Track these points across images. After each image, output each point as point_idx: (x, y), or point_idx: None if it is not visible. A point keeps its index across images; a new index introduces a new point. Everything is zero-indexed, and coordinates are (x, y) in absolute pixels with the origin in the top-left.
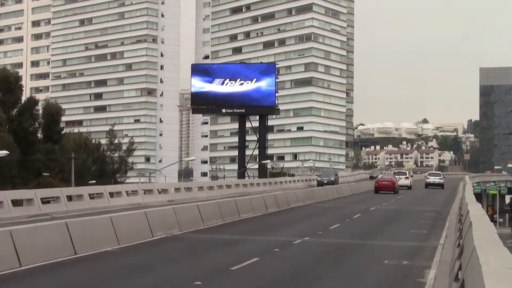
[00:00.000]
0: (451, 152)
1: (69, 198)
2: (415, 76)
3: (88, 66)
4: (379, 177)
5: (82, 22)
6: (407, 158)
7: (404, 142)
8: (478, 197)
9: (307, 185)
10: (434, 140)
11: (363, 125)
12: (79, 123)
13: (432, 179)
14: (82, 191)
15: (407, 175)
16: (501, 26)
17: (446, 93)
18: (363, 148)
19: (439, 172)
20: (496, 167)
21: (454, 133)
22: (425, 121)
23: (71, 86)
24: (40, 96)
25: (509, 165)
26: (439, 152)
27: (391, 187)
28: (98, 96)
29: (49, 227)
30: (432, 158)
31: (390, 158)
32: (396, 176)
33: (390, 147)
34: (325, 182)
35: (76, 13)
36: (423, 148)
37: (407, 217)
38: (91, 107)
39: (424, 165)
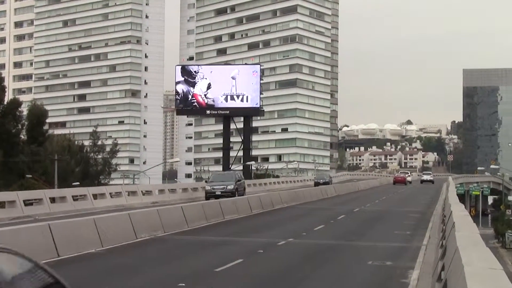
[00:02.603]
0: (435, 153)
1: (52, 200)
2: (399, 78)
3: (72, 67)
4: (395, 175)
5: (65, 23)
6: (391, 159)
7: (388, 143)
8: (461, 198)
9: (292, 186)
10: (418, 141)
11: (347, 126)
12: (63, 124)
13: (425, 177)
14: (65, 193)
15: (409, 174)
16: (484, 27)
17: (430, 94)
18: (348, 149)
19: (430, 172)
20: (479, 168)
21: (438, 135)
22: (409, 122)
23: (54, 87)
24: (23, 98)
25: (492, 166)
26: (423, 153)
27: (404, 181)
28: (82, 97)
29: (32, 229)
30: (416, 159)
31: (374, 159)
32: (405, 174)
33: (374, 148)
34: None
35: (59, 14)
36: (407, 149)
37: (391, 218)
38: (74, 108)
39: (408, 166)
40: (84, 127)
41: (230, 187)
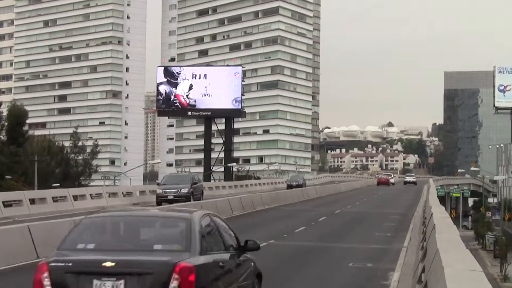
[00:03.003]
0: (416, 155)
1: (32, 201)
2: (381, 80)
3: (52, 67)
4: (378, 177)
5: (46, 23)
6: (372, 161)
7: (370, 145)
8: (442, 200)
9: (273, 188)
10: (399, 143)
11: (329, 128)
12: (43, 125)
13: (408, 179)
14: (45, 194)
15: (392, 176)
16: (465, 30)
17: (411, 97)
18: (329, 151)
19: (413, 174)
20: (459, 170)
21: (419, 137)
22: (390, 124)
23: (34, 88)
24: (3, 98)
25: (472, 169)
26: (404, 155)
27: (387, 182)
28: (62, 98)
29: (11, 230)
30: (397, 161)
31: (356, 161)
32: (388, 176)
33: (355, 150)
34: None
35: (40, 14)
36: (388, 151)
37: (372, 220)
38: (55, 109)
39: (389, 168)
40: (64, 128)
41: (185, 190)
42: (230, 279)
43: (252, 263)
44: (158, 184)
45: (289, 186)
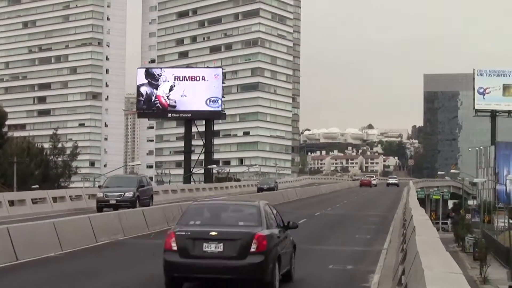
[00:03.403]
0: (396, 158)
1: (11, 203)
2: (361, 82)
3: (32, 69)
4: (361, 178)
5: (25, 25)
6: (353, 163)
7: (350, 148)
8: (422, 202)
9: (254, 190)
10: (379, 145)
11: (309, 130)
12: (22, 127)
13: (391, 180)
14: (25, 196)
15: (375, 178)
16: (445, 33)
17: (391, 99)
18: (309, 153)
19: (395, 176)
20: (439, 172)
21: (399, 139)
22: (370, 126)
23: (14, 89)
24: None
25: (452, 171)
26: (384, 157)
27: (369, 184)
28: (42, 99)
29: None
30: (377, 163)
31: (336, 163)
32: (371, 178)
33: (335, 152)
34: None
35: (19, 15)
36: (368, 153)
37: (352, 222)
38: (34, 110)
39: (369, 170)
40: (44, 130)
41: (129, 194)
42: (281, 245)
43: (291, 237)
44: (99, 187)
45: (260, 190)
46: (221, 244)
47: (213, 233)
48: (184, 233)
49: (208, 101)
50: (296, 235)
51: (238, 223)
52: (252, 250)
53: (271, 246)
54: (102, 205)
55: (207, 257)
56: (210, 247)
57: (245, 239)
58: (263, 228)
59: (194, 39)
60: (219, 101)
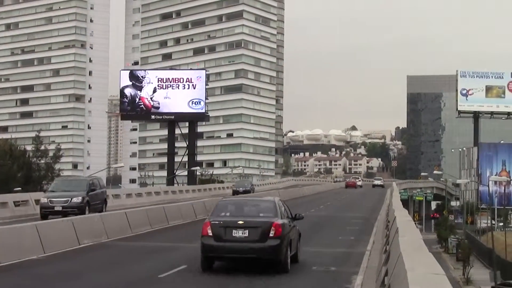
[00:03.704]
0: (379, 159)
1: None
2: (345, 84)
3: (15, 71)
4: (347, 180)
5: (8, 27)
6: (336, 164)
7: (333, 149)
8: (405, 203)
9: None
10: (363, 147)
11: (292, 132)
12: (5, 129)
13: (376, 182)
14: (7, 198)
15: (360, 179)
16: (428, 35)
17: (374, 100)
18: (293, 154)
19: (381, 178)
20: (422, 173)
21: (382, 140)
22: (353, 128)
23: None
24: None
25: (435, 172)
26: (367, 159)
27: (354, 185)
28: (25, 102)
29: None
30: (360, 164)
31: (319, 165)
32: (356, 180)
33: (319, 153)
34: (240, 191)
35: (2, 17)
36: (352, 155)
37: (335, 224)
38: (17, 113)
39: (352, 172)
40: (26, 132)
41: (77, 200)
42: (291, 233)
43: (297, 227)
44: (44, 191)
45: (235, 192)
46: (247, 231)
47: (240, 222)
48: (217, 222)
49: (191, 103)
50: None
51: (259, 214)
52: (271, 235)
53: (285, 233)
54: (47, 212)
55: (236, 241)
56: (238, 233)
57: (265, 226)
58: (278, 218)
59: (177, 41)
60: (203, 103)
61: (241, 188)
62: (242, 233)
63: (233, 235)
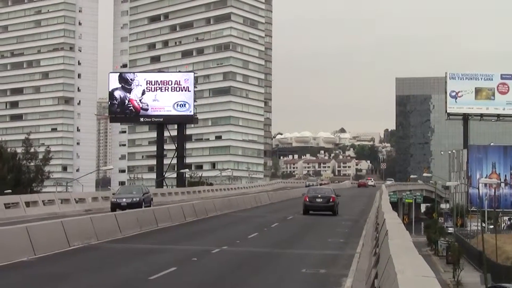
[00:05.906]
0: (368, 161)
1: None
2: (333, 86)
3: (4, 74)
4: (359, 180)
5: None
6: (325, 167)
7: (322, 151)
8: (395, 206)
9: (226, 194)
10: (351, 149)
11: (281, 134)
12: None
13: (369, 182)
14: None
15: (372, 180)
16: (417, 36)
17: (363, 103)
18: (281, 157)
19: (372, 178)
20: (412, 176)
21: (371, 143)
22: (342, 130)
23: None
24: None
25: (424, 174)
26: (356, 161)
27: (365, 185)
28: (14, 104)
29: None
30: (349, 167)
31: (308, 167)
32: (368, 180)
33: (308, 156)
34: (123, 204)
35: None
36: (341, 157)
37: (325, 226)
38: (7, 115)
39: (341, 174)
40: (16, 134)
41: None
42: (337, 200)
43: (338, 199)
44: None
45: (115, 206)
46: (321, 199)
47: (319, 195)
48: (310, 195)
49: (179, 105)
50: (269, 239)
51: (325, 193)
52: (331, 201)
53: (336, 201)
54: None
55: (318, 203)
56: (319, 200)
57: (329, 198)
58: (333, 194)
59: (166, 43)
60: (191, 106)
61: (124, 200)
62: (321, 201)
63: (317, 201)
